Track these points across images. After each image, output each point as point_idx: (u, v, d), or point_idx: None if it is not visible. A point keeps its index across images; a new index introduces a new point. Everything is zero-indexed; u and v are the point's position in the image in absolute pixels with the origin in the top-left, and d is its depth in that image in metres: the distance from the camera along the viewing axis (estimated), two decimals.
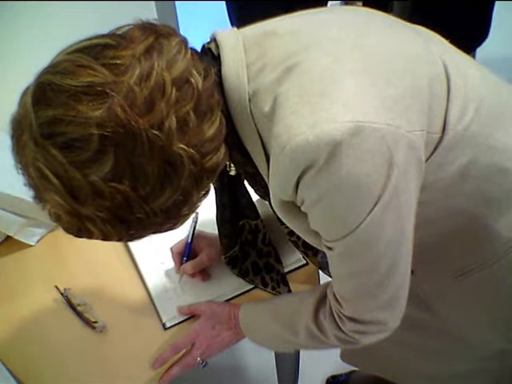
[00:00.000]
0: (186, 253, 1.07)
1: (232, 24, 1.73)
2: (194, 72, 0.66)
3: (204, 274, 1.08)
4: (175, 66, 0.64)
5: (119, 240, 0.70)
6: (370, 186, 0.64)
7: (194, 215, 1.08)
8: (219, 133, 0.68)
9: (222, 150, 0.70)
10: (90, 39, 0.65)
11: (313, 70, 0.67)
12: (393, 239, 0.70)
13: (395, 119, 0.65)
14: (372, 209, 0.66)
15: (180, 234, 1.06)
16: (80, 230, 0.67)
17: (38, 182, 0.64)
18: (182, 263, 1.07)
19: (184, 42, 0.69)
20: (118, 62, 0.62)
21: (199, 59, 0.69)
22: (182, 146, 0.64)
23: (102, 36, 0.66)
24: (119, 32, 0.67)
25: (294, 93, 0.66)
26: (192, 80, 0.65)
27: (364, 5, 1.74)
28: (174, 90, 0.63)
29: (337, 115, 0.63)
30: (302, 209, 0.70)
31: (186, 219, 0.73)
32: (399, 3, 1.65)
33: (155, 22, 0.69)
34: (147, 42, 0.65)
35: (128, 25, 0.68)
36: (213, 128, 0.67)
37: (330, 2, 1.77)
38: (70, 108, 0.60)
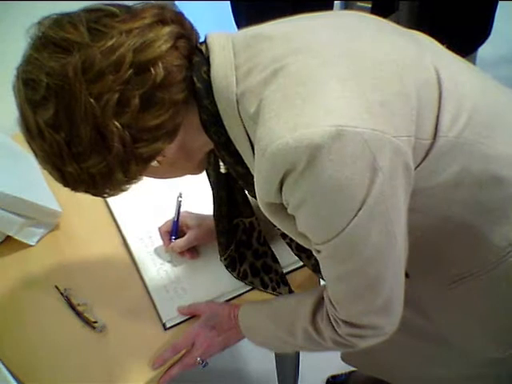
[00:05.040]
0: (174, 231, 1.09)
1: (238, 25, 1.72)
2: (160, 65, 0.68)
3: (193, 252, 1.10)
4: (146, 52, 0.67)
5: (63, 185, 0.74)
6: (352, 191, 0.64)
7: (178, 194, 1.11)
8: (162, 127, 0.70)
9: (161, 144, 0.72)
10: (105, 5, 0.70)
11: (298, 73, 0.67)
12: (381, 244, 0.69)
13: (380, 124, 0.64)
14: (356, 214, 0.65)
15: (169, 215, 1.11)
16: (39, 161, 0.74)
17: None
18: (170, 242, 1.09)
19: (177, 34, 0.70)
20: (105, 30, 0.67)
21: (183, 56, 0.71)
22: (116, 123, 0.67)
23: (116, 6, 0.71)
24: (135, 6, 0.71)
25: (279, 95, 0.66)
26: (153, 71, 0.67)
27: (372, 3, 1.74)
28: (129, 72, 0.66)
29: (318, 119, 0.63)
30: (289, 211, 0.70)
31: (109, 196, 0.77)
32: (407, 3, 1.64)
33: (171, 6, 0.73)
34: (142, 22, 0.68)
35: (148, 3, 0.72)
36: (156, 120, 0.69)
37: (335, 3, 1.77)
38: (37, 51, 0.68)
